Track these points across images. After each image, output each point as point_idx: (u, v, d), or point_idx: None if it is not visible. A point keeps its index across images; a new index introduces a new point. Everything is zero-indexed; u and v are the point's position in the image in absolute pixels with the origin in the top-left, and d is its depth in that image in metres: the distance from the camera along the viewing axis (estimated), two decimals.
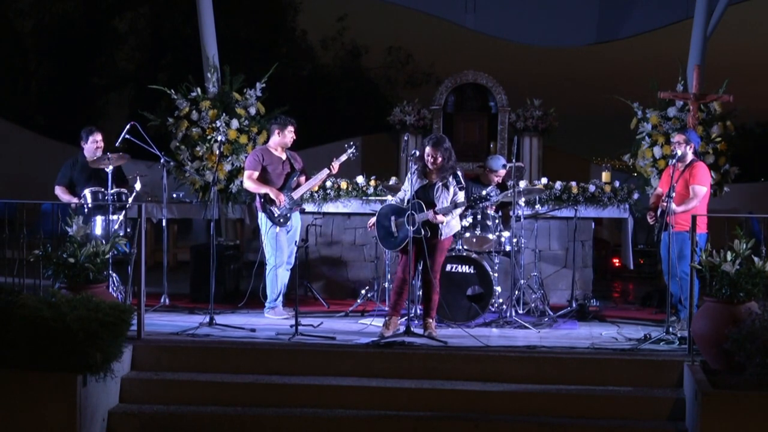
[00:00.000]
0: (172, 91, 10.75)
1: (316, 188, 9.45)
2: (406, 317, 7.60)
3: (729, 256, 6.58)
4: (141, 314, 7.26)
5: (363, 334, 7.62)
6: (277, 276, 8.42)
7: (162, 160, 8.97)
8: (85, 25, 23.37)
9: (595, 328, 8.16)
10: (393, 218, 7.70)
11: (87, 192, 8.36)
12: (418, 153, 7.62)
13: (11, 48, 23.03)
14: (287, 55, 24.12)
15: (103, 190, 8.33)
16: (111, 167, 8.26)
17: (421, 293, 7.84)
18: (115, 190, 8.28)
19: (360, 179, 9.74)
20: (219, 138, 10.08)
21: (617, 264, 11.69)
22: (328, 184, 9.62)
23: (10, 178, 13.65)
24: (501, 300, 8.48)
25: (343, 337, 7.45)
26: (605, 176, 9.85)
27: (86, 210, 8.20)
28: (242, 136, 10.60)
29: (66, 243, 7.09)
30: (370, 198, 9.58)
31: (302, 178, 8.57)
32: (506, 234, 8.37)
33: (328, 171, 8.40)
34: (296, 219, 8.59)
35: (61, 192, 8.64)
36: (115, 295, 7.89)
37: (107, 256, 7.24)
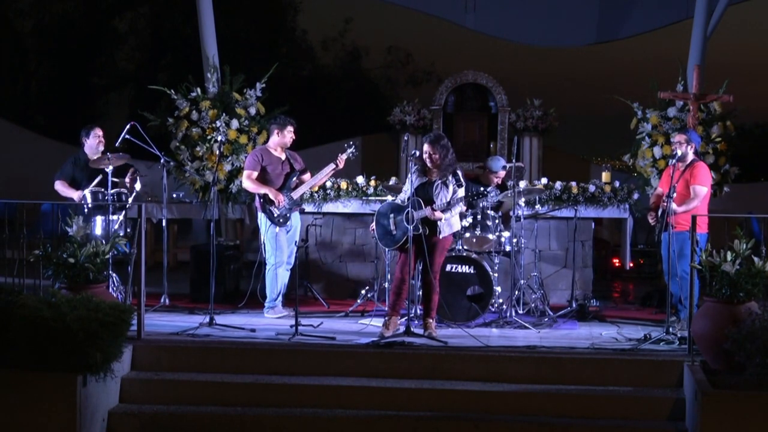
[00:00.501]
0: (172, 91, 10.75)
1: (316, 188, 9.45)
2: (406, 317, 7.60)
3: (729, 256, 6.58)
4: (141, 314, 7.26)
5: (363, 334, 7.62)
6: (277, 276, 8.42)
7: (162, 160, 8.97)
8: (85, 25, 23.36)
9: (595, 328, 8.16)
10: (392, 216, 7.70)
11: (87, 192, 8.37)
12: (418, 153, 7.63)
13: (11, 48, 23.03)
14: (287, 56, 24.13)
15: (103, 190, 8.33)
16: (111, 167, 8.26)
17: (420, 293, 7.84)
18: (115, 189, 8.29)
19: (360, 179, 9.74)
20: (219, 138, 10.08)
21: (617, 264, 11.69)
22: (328, 184, 9.62)
23: (10, 178, 13.64)
24: (501, 300, 8.48)
25: (343, 337, 7.45)
26: (605, 176, 9.85)
27: (86, 210, 8.20)
28: (242, 136, 10.59)
29: (66, 243, 7.09)
30: (370, 198, 9.58)
31: (304, 177, 8.57)
32: (506, 234, 8.37)
33: (334, 165, 8.40)
34: (296, 219, 8.59)
35: (61, 186, 8.62)
36: (115, 295, 7.90)
37: (107, 256, 7.24)
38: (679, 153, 7.88)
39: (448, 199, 7.49)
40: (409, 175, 7.73)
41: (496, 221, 8.37)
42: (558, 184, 9.54)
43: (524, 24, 14.12)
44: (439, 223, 7.51)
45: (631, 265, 10.89)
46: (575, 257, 9.18)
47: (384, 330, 7.55)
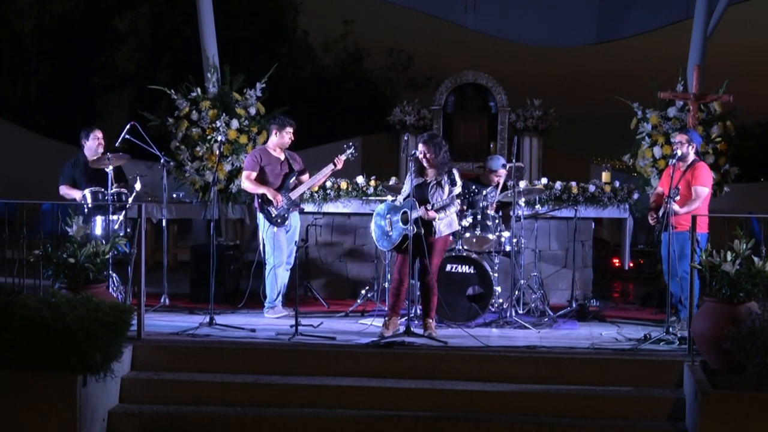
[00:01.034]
0: (172, 91, 10.75)
1: (316, 188, 9.45)
2: (406, 317, 7.61)
3: (729, 256, 6.58)
4: (141, 314, 7.26)
5: (363, 334, 7.62)
6: (277, 276, 8.42)
7: (162, 160, 8.97)
8: (85, 25, 23.36)
9: (595, 328, 8.16)
10: (388, 217, 7.71)
11: (87, 192, 8.36)
12: (416, 153, 7.64)
13: (11, 48, 23.03)
14: (287, 56, 24.12)
15: (103, 190, 8.32)
16: (111, 167, 8.26)
17: (420, 294, 7.85)
18: (115, 189, 8.28)
19: (360, 179, 9.75)
20: (219, 138, 10.08)
21: (617, 264, 11.70)
22: (328, 184, 9.62)
23: (10, 178, 13.64)
24: (501, 300, 8.48)
25: (343, 337, 7.45)
26: (605, 176, 9.85)
27: (86, 210, 8.20)
28: (242, 136, 10.60)
29: (66, 243, 7.09)
30: (370, 198, 9.58)
31: (303, 177, 8.57)
32: (506, 234, 8.37)
33: (333, 166, 8.39)
34: (295, 219, 8.59)
35: (66, 189, 8.63)
36: (115, 295, 7.90)
37: (107, 256, 7.24)
38: (680, 153, 7.88)
39: (443, 199, 7.50)
40: (408, 176, 7.74)
41: (496, 221, 8.37)
42: (558, 184, 9.54)
43: (524, 24, 14.12)
44: (434, 223, 7.51)
45: (631, 265, 10.90)
46: (575, 257, 9.18)
47: (384, 330, 7.55)
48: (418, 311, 7.95)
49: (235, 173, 10.52)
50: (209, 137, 10.54)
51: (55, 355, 6.15)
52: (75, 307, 6.29)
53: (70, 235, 7.08)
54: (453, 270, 8.15)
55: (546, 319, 8.32)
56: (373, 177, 9.87)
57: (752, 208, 10.99)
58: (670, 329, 7.51)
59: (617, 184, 9.70)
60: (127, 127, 8.68)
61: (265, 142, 8.99)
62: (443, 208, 7.51)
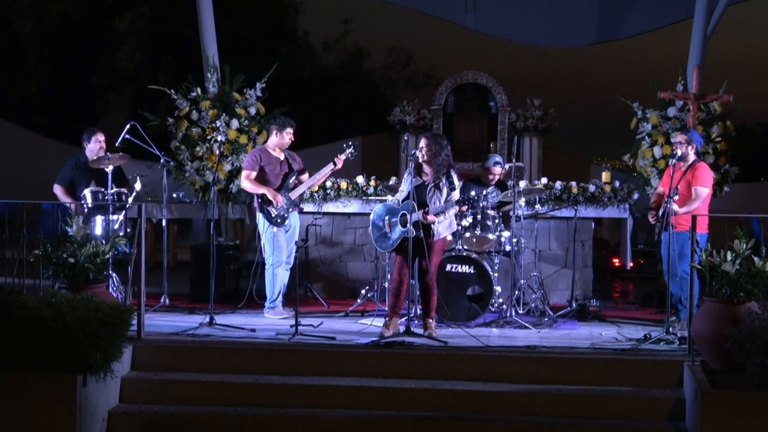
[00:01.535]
0: (172, 91, 10.75)
1: (316, 188, 9.45)
2: (406, 317, 7.61)
3: (729, 256, 6.58)
4: (141, 314, 7.26)
5: (363, 334, 7.62)
6: (276, 276, 8.42)
7: (162, 160, 8.97)
8: (85, 25, 23.37)
9: (595, 328, 8.16)
10: (387, 218, 7.71)
11: (87, 192, 8.36)
12: (416, 152, 7.63)
13: (11, 48, 23.02)
14: (288, 56, 24.13)
15: (103, 190, 8.32)
16: (111, 167, 8.26)
17: (419, 294, 7.84)
18: (115, 189, 8.28)
19: (360, 179, 9.75)
20: (219, 138, 10.08)
21: (617, 264, 11.70)
22: (328, 184, 9.62)
23: (10, 178, 13.64)
24: (501, 300, 8.48)
25: (343, 337, 7.45)
26: (605, 176, 9.85)
27: (86, 210, 8.20)
28: (242, 136, 10.59)
29: (66, 243, 7.09)
30: (370, 198, 9.58)
31: (303, 177, 8.57)
32: (506, 234, 8.38)
33: (332, 166, 8.39)
34: (295, 219, 8.59)
35: (60, 192, 8.63)
36: (115, 295, 7.89)
37: (107, 256, 7.24)
38: (680, 153, 7.88)
39: (442, 203, 7.50)
40: (406, 175, 7.74)
41: (496, 221, 8.37)
42: (558, 184, 9.54)
43: (524, 24, 14.11)
44: (433, 226, 7.52)
45: (631, 265, 10.89)
46: (575, 257, 9.17)
47: (384, 330, 7.55)
48: (418, 311, 7.95)
49: (235, 173, 10.51)
50: (209, 137, 10.54)
51: (55, 355, 6.15)
52: (75, 307, 6.29)
53: (70, 235, 7.08)
54: (453, 270, 8.15)
55: (546, 319, 8.32)
56: (373, 177, 9.87)
57: (752, 208, 11.00)
58: (670, 329, 7.51)
59: (617, 184, 9.70)
60: (127, 127, 8.68)
61: (265, 141, 8.99)
62: (442, 212, 7.51)
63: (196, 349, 7.11)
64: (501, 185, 8.92)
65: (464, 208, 8.05)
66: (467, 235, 8.31)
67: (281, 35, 25.10)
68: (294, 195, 8.48)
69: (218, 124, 10.51)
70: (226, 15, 19.04)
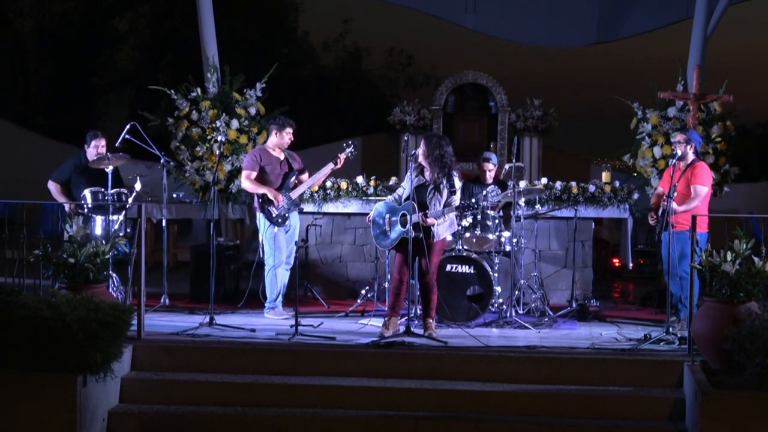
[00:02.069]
0: (172, 91, 10.75)
1: (316, 188, 9.45)
2: (406, 317, 7.61)
3: (729, 256, 6.58)
4: (141, 314, 7.26)
5: (363, 334, 7.62)
6: (276, 276, 8.42)
7: (162, 160, 8.97)
8: (85, 25, 23.36)
9: (595, 328, 8.16)
10: (387, 217, 7.71)
11: (87, 192, 8.36)
12: (417, 153, 7.64)
13: (11, 48, 23.02)
14: (288, 56, 24.12)
15: (103, 190, 8.32)
16: (111, 167, 8.26)
17: (419, 293, 7.85)
18: (115, 190, 8.28)
19: (360, 179, 9.75)
20: (219, 138, 10.06)
21: (617, 264, 11.70)
22: (328, 184, 9.62)
23: (10, 178, 13.64)
24: (501, 300, 8.48)
25: (343, 337, 7.45)
26: (605, 176, 9.85)
27: (86, 210, 8.20)
28: (242, 136, 10.59)
29: (66, 243, 7.09)
30: (370, 198, 9.57)
31: (303, 176, 8.57)
32: (506, 234, 8.38)
33: (333, 165, 8.39)
34: (295, 219, 8.59)
35: (53, 189, 8.63)
36: (115, 295, 7.89)
37: (107, 256, 7.24)
38: (679, 153, 7.88)
39: (441, 204, 7.50)
40: (408, 174, 7.74)
41: (496, 221, 8.37)
42: (558, 184, 9.54)
43: (524, 24, 14.11)
44: (433, 228, 7.52)
45: (631, 265, 10.89)
46: (575, 257, 9.17)
47: (384, 330, 7.55)
48: (418, 311, 7.95)
49: (235, 173, 10.51)
50: (209, 137, 10.54)
51: (55, 355, 6.15)
52: (75, 307, 6.29)
53: (70, 235, 7.08)
54: (453, 270, 8.15)
55: (546, 319, 8.32)
56: (373, 177, 9.87)
57: (752, 208, 11.00)
58: (670, 329, 7.51)
59: (617, 184, 9.70)
60: (127, 127, 8.68)
61: (265, 141, 8.99)
62: (441, 214, 7.51)
63: (196, 349, 7.11)
64: (501, 185, 8.92)
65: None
66: (467, 235, 8.31)
67: (281, 35, 25.09)
68: (294, 195, 8.48)
69: (218, 124, 10.51)
70: (226, 15, 19.04)
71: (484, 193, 8.65)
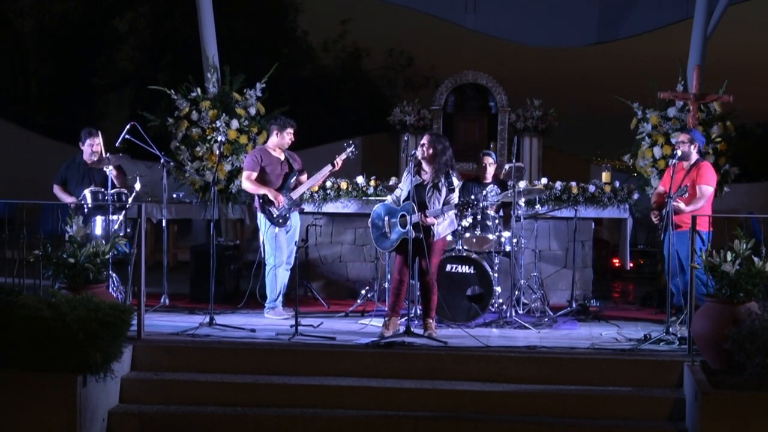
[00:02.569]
0: (172, 91, 10.75)
1: (316, 188, 9.45)
2: (406, 317, 7.60)
3: (729, 256, 6.58)
4: (141, 314, 7.26)
5: (363, 334, 7.62)
6: (277, 276, 8.42)
7: (162, 161, 8.97)
8: (85, 25, 23.35)
9: (595, 328, 8.16)
10: (386, 219, 7.71)
11: (87, 192, 8.36)
12: (416, 153, 7.63)
13: (11, 48, 23.02)
14: (288, 56, 24.11)
15: (103, 190, 8.32)
16: (110, 168, 8.25)
17: (419, 293, 7.84)
18: (115, 190, 8.28)
19: (360, 179, 9.74)
20: (219, 138, 10.05)
21: (617, 264, 11.70)
22: (328, 184, 9.62)
23: (10, 178, 13.64)
24: (501, 300, 8.48)
25: (343, 337, 7.45)
26: (605, 176, 9.85)
27: (86, 210, 8.19)
28: (242, 136, 10.60)
29: (66, 243, 7.09)
30: (370, 198, 9.58)
31: (303, 177, 8.57)
32: (506, 234, 8.38)
33: (331, 167, 8.39)
34: (295, 219, 8.59)
35: (58, 191, 8.64)
36: (115, 295, 7.90)
37: (107, 256, 7.24)
38: (680, 153, 7.88)
39: (441, 203, 7.50)
40: (405, 175, 7.74)
41: (496, 221, 8.37)
42: (558, 184, 9.54)
43: (524, 24, 14.11)
44: (433, 227, 7.52)
45: (631, 265, 10.90)
46: (575, 257, 9.17)
47: (384, 330, 7.55)
48: (418, 311, 7.95)
49: (235, 173, 10.52)
50: (209, 137, 10.54)
51: (55, 355, 6.15)
52: (75, 307, 6.29)
53: (70, 235, 7.08)
54: (453, 270, 8.15)
55: (546, 319, 8.32)
56: (373, 177, 9.87)
57: (752, 208, 11.00)
58: (670, 329, 7.51)
59: (617, 184, 9.70)
60: (127, 127, 8.67)
61: (265, 142, 8.99)
62: (440, 214, 7.51)
63: (196, 349, 7.11)
64: (501, 184, 8.92)
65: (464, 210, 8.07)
66: (467, 235, 8.32)
67: (281, 35, 25.08)
68: (295, 195, 8.48)
69: (218, 124, 10.52)
70: (226, 15, 19.03)
71: (484, 193, 8.64)
